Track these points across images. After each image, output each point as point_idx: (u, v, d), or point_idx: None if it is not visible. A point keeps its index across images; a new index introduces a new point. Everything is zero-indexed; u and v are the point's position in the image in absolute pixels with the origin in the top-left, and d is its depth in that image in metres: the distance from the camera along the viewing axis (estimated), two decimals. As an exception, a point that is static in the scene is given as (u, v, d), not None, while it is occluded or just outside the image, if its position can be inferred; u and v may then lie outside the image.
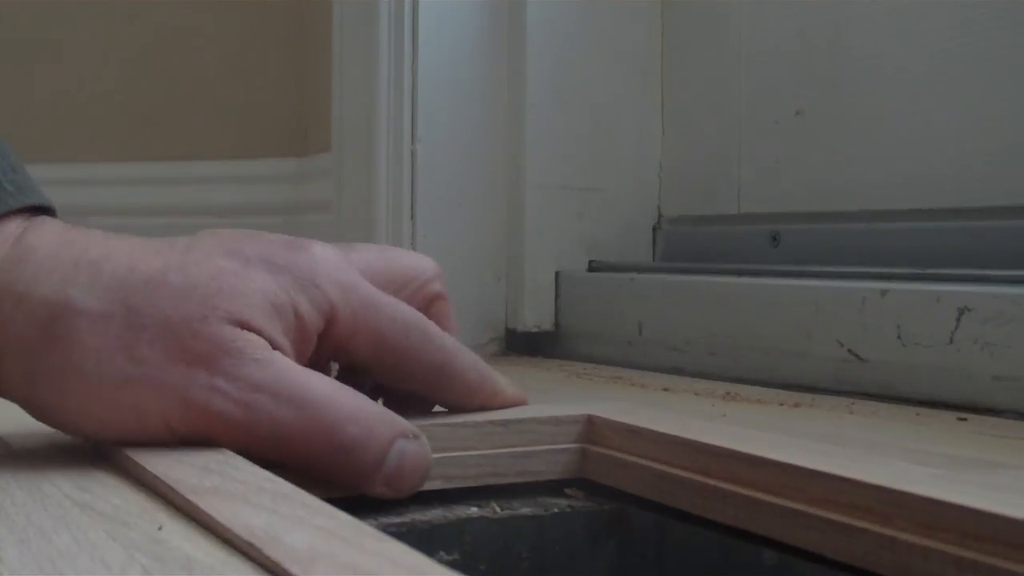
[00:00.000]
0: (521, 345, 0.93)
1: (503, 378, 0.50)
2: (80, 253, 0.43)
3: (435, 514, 0.44)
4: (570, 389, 0.69)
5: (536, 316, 0.92)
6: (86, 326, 0.41)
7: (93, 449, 0.43)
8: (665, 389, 0.68)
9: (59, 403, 0.41)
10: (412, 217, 0.91)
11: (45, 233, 0.44)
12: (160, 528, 0.31)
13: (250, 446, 0.40)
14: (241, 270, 0.43)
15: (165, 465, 0.37)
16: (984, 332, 0.59)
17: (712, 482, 0.41)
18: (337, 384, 0.43)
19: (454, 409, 0.49)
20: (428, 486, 0.45)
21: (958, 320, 0.60)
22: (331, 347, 0.45)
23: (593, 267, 0.92)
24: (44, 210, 0.46)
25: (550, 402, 0.56)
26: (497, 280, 0.94)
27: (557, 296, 0.92)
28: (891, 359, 0.64)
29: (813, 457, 0.39)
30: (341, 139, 0.99)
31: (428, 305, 0.49)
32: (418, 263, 0.50)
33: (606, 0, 0.93)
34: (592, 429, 0.48)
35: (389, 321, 0.45)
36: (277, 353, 0.42)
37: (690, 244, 0.92)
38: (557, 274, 0.93)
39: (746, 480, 0.40)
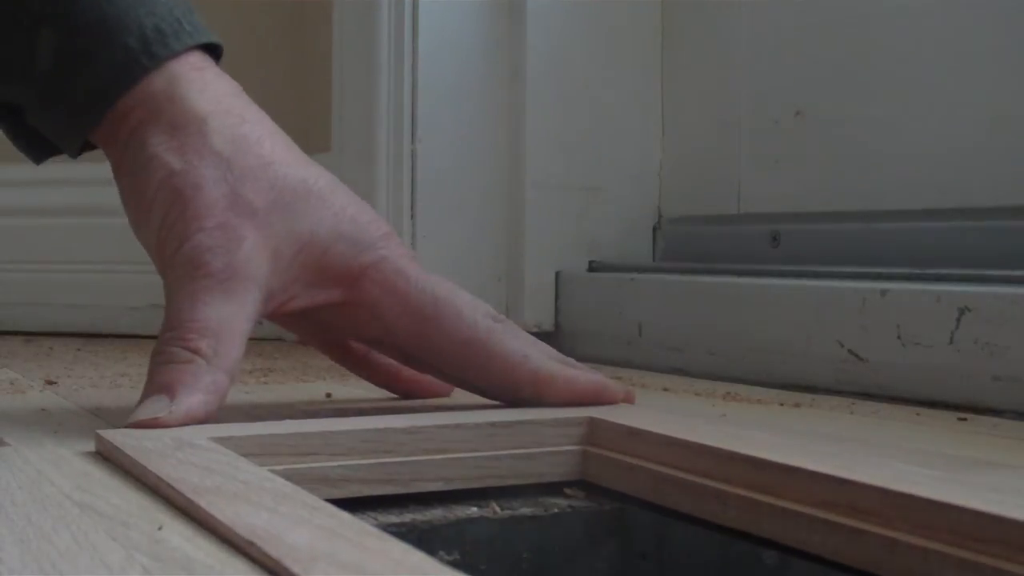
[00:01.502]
0: (521, 345, 0.92)
1: (589, 374, 0.52)
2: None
3: (435, 514, 0.44)
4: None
5: (536, 316, 0.92)
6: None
7: (94, 449, 0.43)
8: (665, 389, 0.68)
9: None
10: (412, 217, 0.91)
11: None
12: (160, 528, 0.31)
13: None
14: (320, 204, 0.51)
15: (166, 465, 0.37)
16: (984, 332, 0.59)
17: (712, 484, 0.41)
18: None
19: (503, 398, 0.52)
20: (429, 487, 0.45)
21: (958, 320, 0.60)
22: (361, 305, 0.51)
23: (593, 267, 0.92)
24: (213, 48, 0.55)
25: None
26: (497, 280, 0.94)
27: (557, 296, 0.92)
28: (891, 359, 0.64)
29: (813, 459, 0.39)
30: (341, 139, 0.99)
31: None
32: (480, 302, 0.55)
33: (606, 0, 0.93)
34: (593, 431, 0.48)
35: (418, 290, 0.51)
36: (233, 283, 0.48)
37: (690, 244, 0.92)
38: (557, 274, 0.93)
39: (747, 482, 0.40)
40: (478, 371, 0.52)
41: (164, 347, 0.47)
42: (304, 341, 0.62)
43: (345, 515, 0.30)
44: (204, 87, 0.51)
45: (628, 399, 0.53)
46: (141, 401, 0.46)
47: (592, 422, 0.48)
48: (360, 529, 0.29)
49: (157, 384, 0.46)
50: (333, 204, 0.52)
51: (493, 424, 0.47)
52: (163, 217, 0.49)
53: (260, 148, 0.51)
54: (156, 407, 0.45)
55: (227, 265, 0.48)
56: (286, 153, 0.52)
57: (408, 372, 0.57)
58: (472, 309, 0.52)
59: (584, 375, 0.52)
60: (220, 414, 0.47)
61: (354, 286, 0.51)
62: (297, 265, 0.50)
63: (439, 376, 0.55)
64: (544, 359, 0.52)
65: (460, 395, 0.57)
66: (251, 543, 0.28)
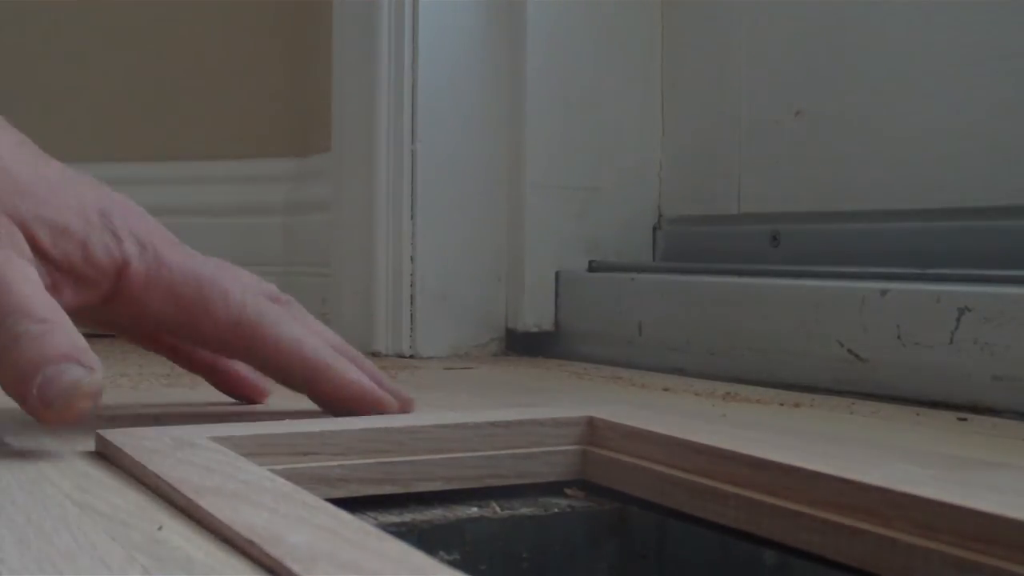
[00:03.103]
0: (521, 345, 0.93)
1: (363, 378, 0.50)
2: None
3: (435, 514, 0.44)
4: (570, 389, 0.69)
5: (536, 316, 0.92)
6: None
7: (94, 449, 0.43)
8: (665, 389, 0.68)
9: None
10: (412, 217, 0.91)
11: None
12: (160, 528, 0.31)
13: None
14: (63, 193, 0.48)
15: (166, 465, 0.37)
16: (984, 332, 0.59)
17: (713, 484, 0.41)
18: (51, 300, 0.44)
19: (287, 385, 0.51)
20: (429, 486, 0.45)
21: (958, 320, 0.60)
22: (129, 299, 0.49)
23: (593, 267, 0.92)
24: None
25: (550, 403, 0.56)
26: (497, 280, 0.94)
27: (557, 296, 0.92)
28: (891, 359, 0.64)
29: (813, 458, 0.39)
30: (341, 139, 0.99)
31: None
32: (263, 282, 0.53)
33: (606, 0, 0.93)
34: (593, 431, 0.48)
35: (181, 275, 0.49)
36: (12, 253, 0.44)
37: (690, 244, 0.92)
38: (557, 274, 0.93)
39: (747, 482, 0.40)
40: (249, 354, 0.50)
41: (13, 331, 0.42)
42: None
43: (345, 515, 0.30)
44: None
45: (404, 410, 0.51)
46: (28, 382, 0.41)
47: (592, 422, 0.48)
48: (360, 529, 0.29)
49: (38, 359, 0.41)
50: (81, 194, 0.49)
51: (493, 424, 0.47)
52: None
53: None
54: (74, 374, 0.41)
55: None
56: (16, 151, 0.49)
57: (224, 364, 0.56)
58: (241, 290, 0.50)
59: (358, 378, 0.50)
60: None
61: (119, 279, 0.49)
62: (58, 254, 0.47)
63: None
64: (322, 348, 0.50)
65: (460, 395, 0.57)
66: (251, 543, 0.28)
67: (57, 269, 0.47)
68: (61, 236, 0.47)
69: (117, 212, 0.49)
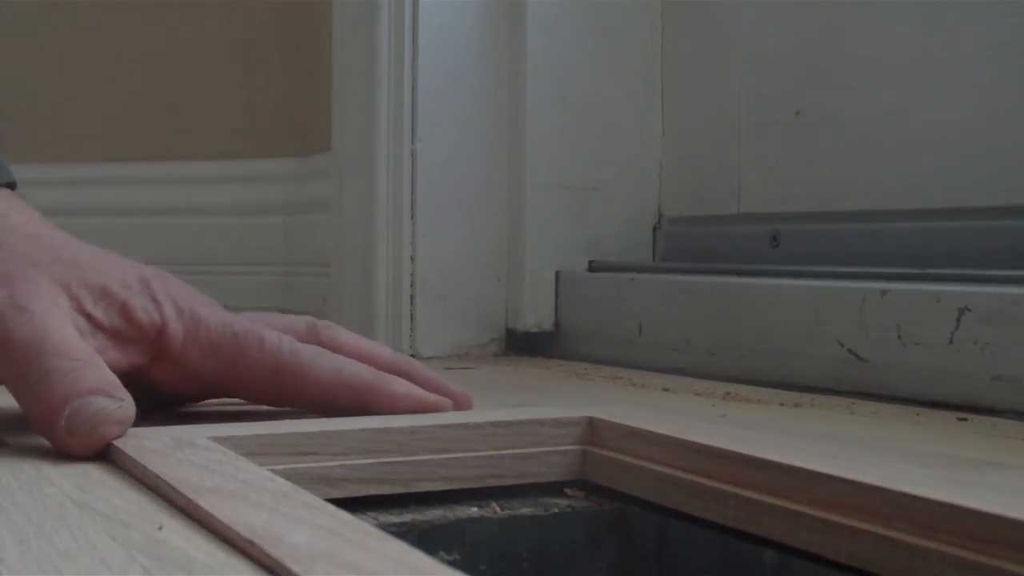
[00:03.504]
0: (521, 345, 0.93)
1: (414, 391, 0.52)
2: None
3: (435, 514, 0.44)
4: (570, 389, 0.69)
5: (536, 316, 0.92)
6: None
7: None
8: (665, 389, 0.68)
9: None
10: (412, 217, 0.91)
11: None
12: (160, 528, 0.31)
13: None
14: (103, 262, 0.51)
15: (166, 465, 0.37)
16: (984, 332, 0.59)
17: (713, 484, 0.41)
18: (86, 345, 0.46)
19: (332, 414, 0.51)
20: (429, 487, 0.45)
21: (958, 320, 0.60)
22: (171, 360, 0.51)
23: (593, 267, 0.92)
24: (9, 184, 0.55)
25: (551, 403, 0.56)
26: (497, 280, 0.94)
27: (557, 296, 0.92)
28: (891, 359, 0.64)
29: (814, 459, 0.39)
30: (341, 139, 0.99)
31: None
32: (293, 319, 0.56)
33: (606, 0, 0.93)
34: (593, 431, 0.48)
35: (218, 333, 0.51)
36: (54, 308, 0.47)
37: (690, 244, 0.92)
38: (557, 274, 0.93)
39: (747, 482, 0.40)
40: (295, 395, 0.52)
41: (45, 367, 0.43)
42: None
43: (345, 515, 0.30)
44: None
45: (460, 407, 0.52)
46: (57, 415, 0.42)
47: (592, 422, 0.48)
48: (360, 529, 0.29)
49: (68, 393, 0.42)
50: (120, 263, 0.52)
51: (493, 424, 0.47)
52: None
53: (30, 229, 0.51)
54: (101, 403, 0.42)
55: (35, 300, 0.46)
56: (49, 227, 0.52)
57: None
58: (277, 336, 0.52)
59: (406, 391, 0.51)
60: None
61: (160, 339, 0.51)
62: (101, 316, 0.49)
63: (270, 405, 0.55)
64: (363, 371, 0.52)
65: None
66: (251, 543, 0.28)
67: (101, 330, 0.49)
68: (103, 299, 0.49)
69: (155, 279, 0.52)
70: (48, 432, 0.42)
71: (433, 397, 0.52)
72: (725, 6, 0.88)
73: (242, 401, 0.56)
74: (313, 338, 0.55)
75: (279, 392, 0.52)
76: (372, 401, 0.51)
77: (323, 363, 0.52)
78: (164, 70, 1.29)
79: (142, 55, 1.30)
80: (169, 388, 0.53)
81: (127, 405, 0.43)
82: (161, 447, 0.40)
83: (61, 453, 0.42)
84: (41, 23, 1.32)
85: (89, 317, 0.49)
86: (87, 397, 0.42)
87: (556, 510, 0.46)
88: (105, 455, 0.42)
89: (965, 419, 0.56)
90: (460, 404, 0.53)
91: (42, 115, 1.33)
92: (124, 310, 0.50)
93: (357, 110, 0.95)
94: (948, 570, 0.32)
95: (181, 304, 0.52)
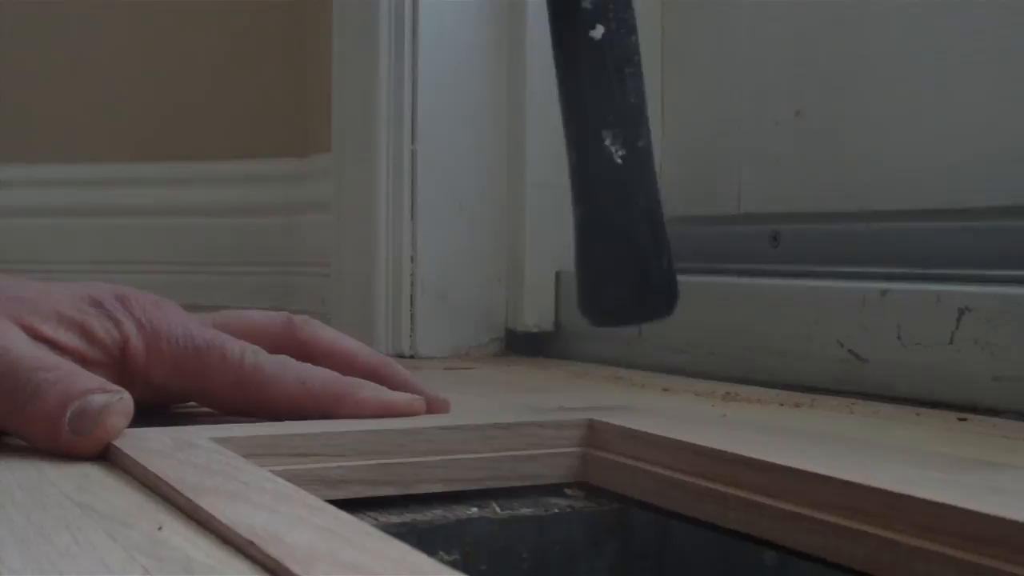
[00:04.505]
0: (521, 345, 0.93)
1: (382, 395, 0.51)
2: None
3: (435, 514, 0.44)
4: (570, 389, 0.69)
5: (536, 316, 0.92)
6: None
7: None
8: (665, 389, 0.68)
9: None
10: (412, 217, 0.91)
11: None
12: (160, 528, 0.31)
13: None
14: (52, 293, 0.50)
15: (166, 465, 0.37)
16: (984, 332, 0.59)
17: (713, 486, 0.41)
18: (57, 357, 0.46)
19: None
20: (429, 488, 0.45)
21: (958, 320, 0.60)
22: (137, 376, 0.50)
23: (593, 267, 0.92)
24: None
25: (551, 403, 0.56)
26: (497, 280, 0.93)
27: (557, 296, 0.92)
28: (891, 359, 0.64)
29: (814, 460, 0.39)
30: (341, 139, 0.99)
31: (300, 348, 0.54)
32: (268, 317, 0.56)
33: (606, 0, 0.93)
34: (593, 433, 0.48)
35: (179, 347, 0.51)
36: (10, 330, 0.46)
37: (690, 244, 0.92)
38: (557, 274, 0.92)
39: (747, 483, 0.40)
40: (260, 407, 0.51)
41: (31, 383, 0.43)
42: None
43: (345, 515, 0.30)
44: None
45: (434, 410, 0.51)
46: (58, 421, 0.42)
47: (592, 424, 0.48)
48: (360, 529, 0.29)
49: (64, 398, 0.42)
50: (69, 290, 0.51)
51: (493, 426, 0.47)
52: None
53: None
54: (102, 399, 0.42)
55: None
56: None
57: None
58: (240, 348, 0.51)
59: (373, 395, 0.51)
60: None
61: (124, 357, 0.50)
62: (62, 339, 0.48)
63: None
64: (328, 380, 0.51)
65: (460, 396, 0.57)
66: (251, 543, 0.28)
67: (67, 353, 0.48)
68: (61, 323, 0.49)
69: (107, 299, 0.51)
70: (52, 442, 0.42)
71: (402, 398, 0.50)
72: (725, 6, 0.88)
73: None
74: (289, 335, 0.55)
75: (245, 404, 0.51)
76: (338, 410, 0.50)
77: (286, 376, 0.51)
78: (164, 70, 1.29)
79: (142, 55, 1.30)
80: (140, 403, 0.53)
81: (126, 396, 0.43)
82: (161, 448, 0.40)
83: (61, 454, 0.42)
84: (42, 24, 1.32)
85: (51, 342, 0.48)
86: (85, 397, 0.42)
87: (556, 510, 0.46)
88: (105, 455, 0.42)
89: (965, 419, 0.56)
90: (434, 407, 0.51)
91: (42, 115, 1.33)
92: (84, 330, 0.49)
93: (357, 110, 0.95)
94: (949, 572, 0.32)
95: (141, 319, 0.51)
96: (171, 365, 0.51)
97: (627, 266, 0.51)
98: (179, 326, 0.52)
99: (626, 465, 0.46)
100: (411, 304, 0.92)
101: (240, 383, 0.51)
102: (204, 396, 0.52)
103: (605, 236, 0.52)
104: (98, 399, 0.42)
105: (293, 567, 0.26)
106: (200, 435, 0.43)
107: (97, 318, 0.50)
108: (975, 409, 0.59)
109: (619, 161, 0.50)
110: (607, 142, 0.50)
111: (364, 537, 0.28)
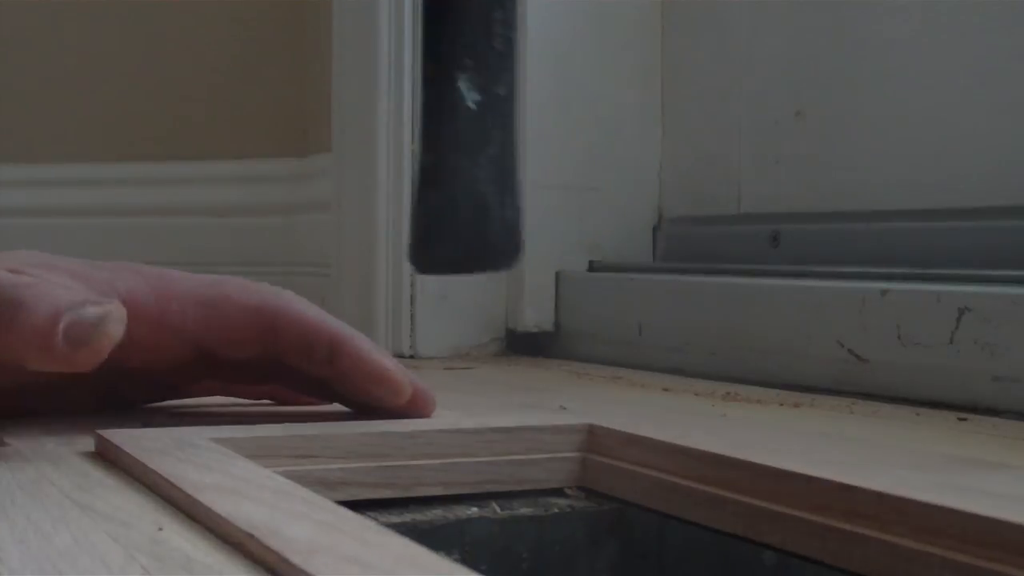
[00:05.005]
0: (521, 345, 0.93)
1: (387, 361, 0.49)
2: None
3: (435, 514, 0.44)
4: (570, 390, 0.69)
5: (536, 316, 0.92)
6: None
7: (93, 449, 0.43)
8: (665, 389, 0.68)
9: None
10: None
11: None
12: (160, 528, 0.31)
13: None
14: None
15: (166, 463, 0.37)
16: (984, 332, 0.59)
17: (712, 490, 0.41)
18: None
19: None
20: (428, 491, 0.45)
21: (958, 320, 0.60)
22: (145, 320, 0.47)
23: (593, 267, 0.92)
24: None
25: (551, 403, 0.56)
26: (497, 280, 0.93)
27: (557, 296, 0.92)
28: (891, 359, 0.64)
29: (812, 463, 0.39)
30: (341, 139, 0.99)
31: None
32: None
33: (606, 1, 0.93)
34: (593, 438, 0.48)
35: (194, 281, 0.50)
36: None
37: (690, 244, 0.92)
38: (557, 274, 0.92)
39: (746, 487, 0.40)
40: (275, 335, 0.49)
41: (15, 299, 0.41)
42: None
43: (345, 511, 0.30)
44: None
45: (416, 402, 0.50)
46: (51, 332, 0.40)
47: (592, 428, 0.48)
48: (360, 524, 0.29)
49: (54, 309, 0.40)
50: (65, 258, 0.48)
51: (493, 430, 0.47)
52: None
53: None
54: (96, 309, 0.40)
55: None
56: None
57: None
58: (254, 282, 0.50)
59: (379, 356, 0.49)
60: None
61: (128, 302, 0.46)
62: (53, 276, 0.45)
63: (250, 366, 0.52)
64: (345, 325, 0.50)
65: (460, 396, 0.57)
66: (250, 536, 0.28)
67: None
68: (51, 270, 0.46)
69: (99, 270, 0.48)
70: (44, 357, 0.40)
71: (400, 375, 0.49)
72: (725, 6, 0.88)
73: (240, 402, 0.56)
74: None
75: (261, 332, 0.49)
76: (345, 353, 0.49)
77: (308, 306, 0.50)
78: (164, 70, 1.29)
79: (142, 55, 1.30)
80: (147, 359, 0.50)
81: (118, 305, 0.41)
82: (162, 447, 0.40)
83: (61, 454, 0.42)
84: (42, 23, 1.32)
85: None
86: (77, 309, 0.40)
87: (556, 510, 0.46)
88: (105, 455, 0.42)
89: (965, 419, 0.56)
90: (418, 399, 0.49)
91: (43, 115, 1.33)
92: (77, 277, 0.46)
93: (357, 110, 0.95)
94: (948, 574, 0.32)
95: (141, 270, 0.49)
96: (187, 297, 0.49)
97: (464, 215, 0.49)
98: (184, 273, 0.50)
99: (626, 470, 0.46)
100: (411, 304, 0.92)
101: (261, 307, 0.49)
102: (221, 324, 0.50)
103: (444, 182, 0.50)
104: (92, 309, 0.40)
105: (293, 558, 0.26)
106: (200, 435, 0.43)
107: (97, 271, 0.48)
108: (975, 409, 0.59)
109: (471, 106, 0.48)
110: (459, 84, 0.47)
111: (364, 531, 0.28)
